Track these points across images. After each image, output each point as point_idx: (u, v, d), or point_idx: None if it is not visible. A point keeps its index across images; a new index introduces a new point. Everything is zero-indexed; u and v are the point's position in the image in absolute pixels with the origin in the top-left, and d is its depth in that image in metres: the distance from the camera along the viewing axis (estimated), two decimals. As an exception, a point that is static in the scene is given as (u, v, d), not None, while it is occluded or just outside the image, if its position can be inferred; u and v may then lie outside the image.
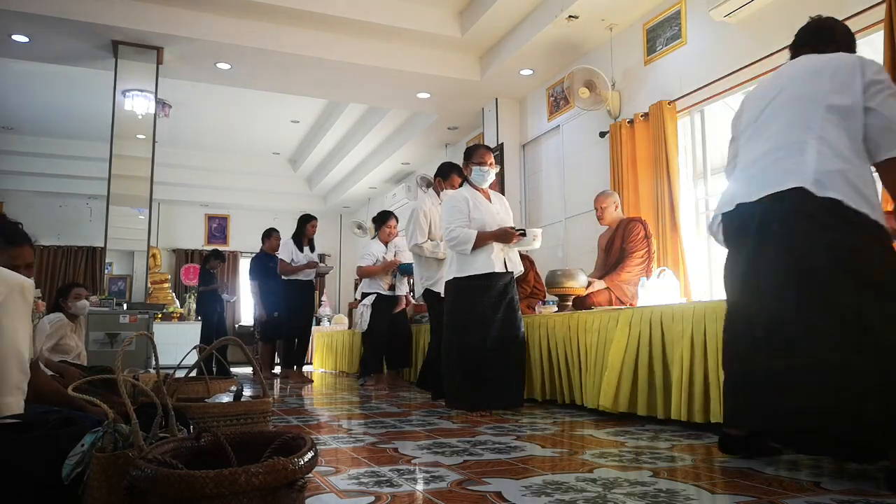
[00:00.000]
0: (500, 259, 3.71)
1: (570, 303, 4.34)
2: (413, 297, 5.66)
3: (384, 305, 5.60)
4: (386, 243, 5.75)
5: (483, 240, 3.66)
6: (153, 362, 1.79)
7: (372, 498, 1.73)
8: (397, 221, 5.88)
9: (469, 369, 3.62)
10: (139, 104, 5.86)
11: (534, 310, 4.69)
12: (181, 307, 10.49)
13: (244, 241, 11.91)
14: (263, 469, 1.04)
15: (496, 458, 2.28)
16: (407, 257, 5.52)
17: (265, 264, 6.76)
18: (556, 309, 4.44)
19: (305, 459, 1.11)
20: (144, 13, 5.52)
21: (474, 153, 3.86)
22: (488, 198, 3.86)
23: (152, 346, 1.73)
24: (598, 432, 2.93)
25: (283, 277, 6.37)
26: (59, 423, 1.42)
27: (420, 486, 1.85)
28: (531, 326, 4.23)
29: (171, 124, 8.71)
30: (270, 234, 6.94)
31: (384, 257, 5.65)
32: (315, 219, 6.62)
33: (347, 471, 2.09)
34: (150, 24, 5.54)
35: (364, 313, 5.56)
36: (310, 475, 1.16)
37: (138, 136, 5.92)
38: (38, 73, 7.27)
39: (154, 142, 5.96)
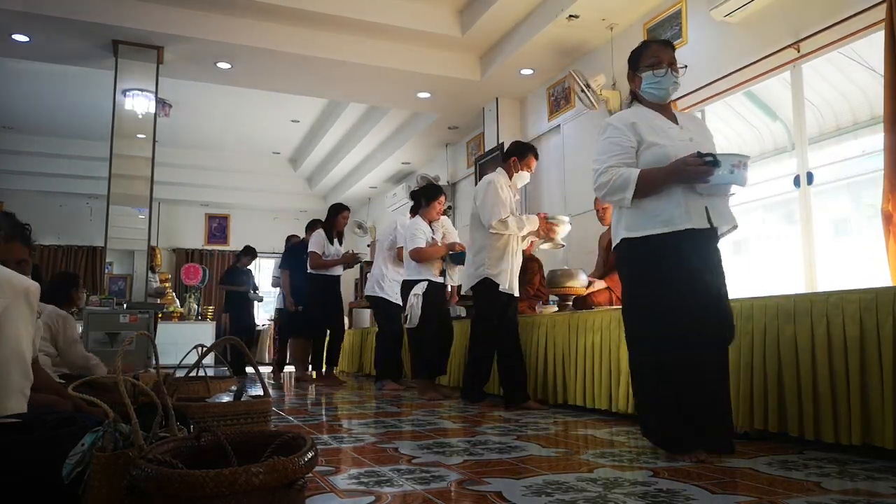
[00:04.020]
0: (698, 207, 2.35)
1: (570, 302, 4.34)
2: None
3: (437, 295, 4.76)
4: (430, 222, 4.95)
5: (654, 180, 2.35)
6: (153, 362, 1.79)
7: (372, 498, 1.72)
8: (446, 198, 5.13)
9: (667, 384, 2.31)
10: (139, 104, 5.86)
11: (534, 310, 4.69)
12: (181, 307, 10.49)
13: (244, 240, 11.83)
14: (263, 469, 1.04)
15: (496, 457, 2.28)
16: (455, 239, 4.96)
17: (300, 255, 6.34)
18: (556, 309, 4.44)
19: (306, 459, 1.11)
20: (145, 13, 5.51)
21: (644, 52, 2.54)
22: (672, 118, 2.52)
23: (152, 346, 1.73)
24: (599, 432, 2.93)
25: (311, 271, 5.93)
26: (60, 423, 1.42)
27: (420, 486, 1.85)
28: (531, 326, 4.22)
29: (172, 124, 8.70)
30: (315, 226, 6.44)
31: (433, 238, 4.88)
32: (347, 209, 6.19)
33: (348, 471, 2.09)
34: (151, 23, 5.53)
35: (416, 305, 4.67)
36: (310, 475, 1.16)
37: (138, 135, 5.91)
38: (38, 72, 7.26)
39: (154, 141, 5.95)
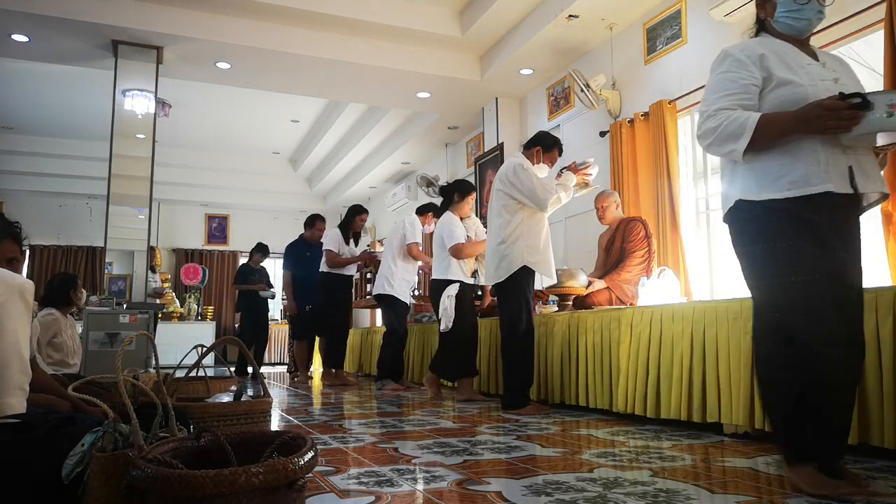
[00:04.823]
0: (839, 165, 1.80)
1: (570, 302, 4.34)
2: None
3: (469, 296, 4.59)
4: (461, 219, 4.74)
5: (778, 128, 1.81)
6: (153, 362, 1.79)
7: (372, 498, 1.72)
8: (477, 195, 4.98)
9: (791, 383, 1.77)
10: (139, 104, 5.86)
11: (534, 309, 4.68)
12: (181, 307, 10.49)
13: (244, 240, 11.92)
14: (263, 469, 1.04)
15: (496, 457, 2.28)
16: (484, 237, 4.69)
17: (302, 253, 6.38)
18: (556, 309, 4.44)
19: (305, 459, 1.11)
20: (144, 13, 5.52)
21: None
22: (812, 54, 1.97)
23: (152, 346, 1.73)
24: (598, 432, 2.93)
25: (324, 270, 5.89)
26: (60, 423, 1.42)
27: (420, 486, 1.85)
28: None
29: (171, 124, 8.70)
30: (314, 222, 6.50)
31: (467, 236, 4.65)
32: (366, 211, 6.19)
33: (347, 471, 2.09)
34: (150, 23, 5.53)
35: (449, 307, 4.42)
36: (310, 475, 1.16)
37: (138, 135, 5.91)
38: (38, 72, 7.26)
39: (154, 141, 5.95)
